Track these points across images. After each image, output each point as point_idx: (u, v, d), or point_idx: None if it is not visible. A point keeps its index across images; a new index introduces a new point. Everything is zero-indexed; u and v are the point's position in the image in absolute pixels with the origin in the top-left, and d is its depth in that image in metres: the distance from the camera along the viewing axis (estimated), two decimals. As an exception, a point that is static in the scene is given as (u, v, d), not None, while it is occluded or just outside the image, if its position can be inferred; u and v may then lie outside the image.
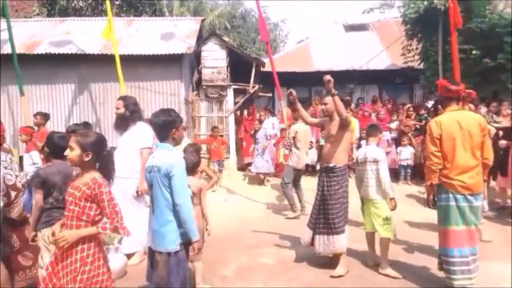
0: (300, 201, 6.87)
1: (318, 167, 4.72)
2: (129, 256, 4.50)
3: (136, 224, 4.44)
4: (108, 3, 7.87)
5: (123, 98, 4.81)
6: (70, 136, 2.90)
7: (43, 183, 3.25)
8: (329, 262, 4.45)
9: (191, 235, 2.87)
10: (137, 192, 4.46)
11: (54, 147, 3.42)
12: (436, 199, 3.86)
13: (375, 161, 4.33)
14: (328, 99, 4.30)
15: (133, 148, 4.53)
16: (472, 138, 3.60)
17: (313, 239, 4.45)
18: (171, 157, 2.90)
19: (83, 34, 10.15)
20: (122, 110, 4.64)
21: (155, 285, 2.89)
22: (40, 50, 9.25)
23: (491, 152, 3.74)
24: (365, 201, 4.50)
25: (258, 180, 9.15)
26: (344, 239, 4.31)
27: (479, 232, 3.85)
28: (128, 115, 4.65)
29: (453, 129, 3.62)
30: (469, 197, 3.59)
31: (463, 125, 3.61)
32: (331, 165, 4.31)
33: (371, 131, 4.57)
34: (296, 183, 6.85)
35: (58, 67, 9.31)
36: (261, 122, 9.72)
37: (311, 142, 8.06)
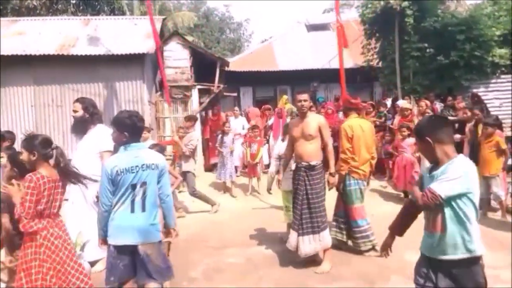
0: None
1: (293, 167, 4.77)
2: (92, 263, 4.36)
3: (99, 230, 4.32)
4: None
5: (81, 101, 4.61)
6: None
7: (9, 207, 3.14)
8: (296, 259, 4.50)
9: (172, 222, 3.32)
10: (97, 197, 4.31)
11: (23, 167, 3.21)
12: (344, 185, 4.77)
13: None
14: (306, 95, 4.41)
15: (93, 151, 4.37)
16: (368, 139, 4.80)
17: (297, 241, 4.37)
18: (159, 154, 3.23)
19: (38, 35, 9.72)
20: (81, 113, 4.45)
21: (156, 276, 3.00)
22: (-9, 51, 8.77)
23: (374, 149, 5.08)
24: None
25: (224, 187, 8.49)
26: (328, 234, 4.42)
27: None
28: (88, 118, 4.48)
29: (358, 131, 4.73)
30: (365, 181, 4.84)
31: (364, 129, 4.77)
32: (312, 163, 4.35)
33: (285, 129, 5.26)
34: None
35: (12, 69, 8.86)
36: (227, 121, 9.35)
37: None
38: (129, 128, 3.02)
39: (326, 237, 4.37)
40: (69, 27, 10.41)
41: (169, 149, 8.91)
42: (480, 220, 5.75)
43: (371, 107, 9.57)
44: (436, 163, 2.37)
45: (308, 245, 4.32)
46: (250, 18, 34.70)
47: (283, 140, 5.38)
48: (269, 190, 6.27)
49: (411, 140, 6.69)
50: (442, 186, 2.22)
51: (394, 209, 6.28)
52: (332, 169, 4.44)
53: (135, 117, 3.07)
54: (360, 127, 4.74)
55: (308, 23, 16.17)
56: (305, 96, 4.41)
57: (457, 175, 2.21)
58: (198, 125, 10.55)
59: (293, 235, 4.42)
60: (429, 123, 2.45)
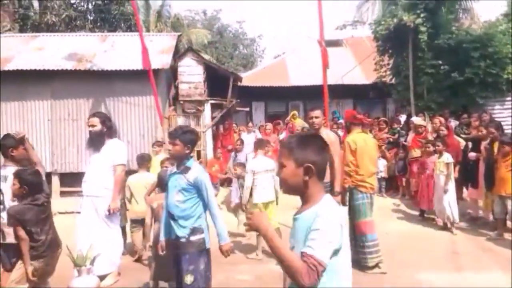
0: None
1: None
2: (101, 277, 4.36)
3: (110, 244, 4.34)
4: None
5: (98, 115, 4.58)
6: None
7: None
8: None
9: None
10: (108, 210, 4.33)
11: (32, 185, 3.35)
12: (351, 199, 4.77)
13: (273, 170, 5.25)
14: (318, 112, 4.53)
15: (106, 165, 4.41)
16: (372, 153, 4.92)
17: None
18: None
19: (56, 50, 9.98)
20: (99, 127, 4.42)
21: None
22: (12, 66, 9.03)
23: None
24: (265, 204, 5.17)
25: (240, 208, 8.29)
26: None
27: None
28: (106, 132, 4.49)
29: (362, 145, 4.78)
30: (372, 195, 4.85)
31: (368, 143, 4.87)
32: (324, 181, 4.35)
33: (260, 145, 5.54)
34: None
35: (30, 83, 9.10)
36: (240, 139, 9.11)
37: None
38: (193, 142, 3.33)
39: None
40: (86, 43, 10.67)
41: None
42: (496, 241, 5.67)
43: (384, 123, 9.51)
44: (302, 199, 1.73)
45: None
46: (263, 34, 35.00)
47: (255, 155, 5.53)
48: (245, 205, 5.41)
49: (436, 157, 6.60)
50: (321, 248, 1.53)
51: (406, 228, 6.19)
52: (337, 188, 4.43)
53: (196, 132, 3.37)
54: (364, 141, 4.82)
55: (321, 39, 16.25)
56: (317, 113, 4.46)
57: (332, 229, 1.57)
58: (209, 140, 10.64)
59: None
60: (314, 146, 1.70)
